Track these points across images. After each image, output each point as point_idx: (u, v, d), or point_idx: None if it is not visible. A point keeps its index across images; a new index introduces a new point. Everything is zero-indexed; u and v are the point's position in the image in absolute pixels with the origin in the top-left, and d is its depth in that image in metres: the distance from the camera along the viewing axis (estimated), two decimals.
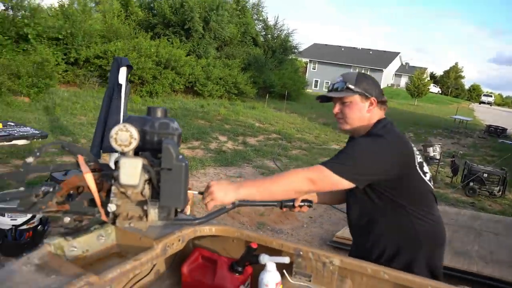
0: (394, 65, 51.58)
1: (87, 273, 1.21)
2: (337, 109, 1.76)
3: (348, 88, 1.67)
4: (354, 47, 52.56)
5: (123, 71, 4.49)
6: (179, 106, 13.02)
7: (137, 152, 1.39)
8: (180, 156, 1.27)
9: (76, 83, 13.25)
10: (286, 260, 1.41)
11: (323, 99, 1.83)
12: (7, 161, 5.57)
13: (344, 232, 4.26)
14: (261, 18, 24.32)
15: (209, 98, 15.92)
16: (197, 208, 4.65)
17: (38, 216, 3.32)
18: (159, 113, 1.48)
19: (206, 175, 6.32)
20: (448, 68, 63.46)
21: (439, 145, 7.83)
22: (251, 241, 1.63)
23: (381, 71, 47.15)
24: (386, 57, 49.75)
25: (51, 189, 1.48)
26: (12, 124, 4.14)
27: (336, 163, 1.57)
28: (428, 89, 35.89)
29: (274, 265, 1.30)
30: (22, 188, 1.53)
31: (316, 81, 48.04)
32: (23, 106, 9.24)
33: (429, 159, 7.51)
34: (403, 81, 50.67)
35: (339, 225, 4.77)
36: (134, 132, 1.21)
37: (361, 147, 1.59)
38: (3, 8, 12.34)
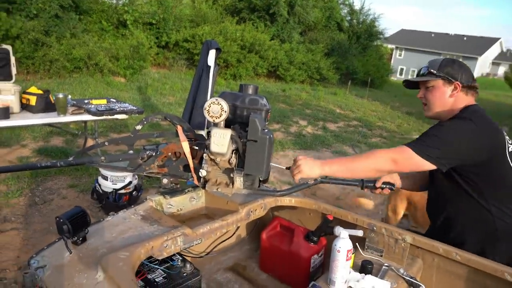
0: (493, 52, 47.10)
1: (183, 225, 1.41)
2: (420, 93, 1.77)
3: (430, 72, 1.67)
4: (446, 33, 48.90)
5: (212, 54, 4.74)
6: (261, 89, 13.26)
7: (228, 125, 1.55)
8: (266, 130, 1.40)
9: (166, 65, 14.09)
10: (359, 233, 1.49)
11: (409, 84, 1.84)
12: (107, 134, 6.20)
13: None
14: (346, 2, 23.65)
15: (291, 83, 16.00)
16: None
17: (134, 183, 3.71)
18: (250, 90, 1.63)
19: (285, 157, 6.47)
20: None
21: None
22: (328, 213, 1.73)
23: (475, 59, 43.36)
24: (482, 44, 45.53)
25: (153, 154, 1.70)
26: (114, 100, 4.60)
27: (420, 144, 1.58)
28: None
29: (347, 234, 1.39)
30: (131, 151, 1.77)
31: (402, 69, 45.66)
32: (120, 86, 10.08)
33: None
34: (502, 70, 46.30)
35: None
36: (225, 105, 1.37)
37: (447, 129, 1.57)
38: None
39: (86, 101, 4.35)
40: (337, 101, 13.29)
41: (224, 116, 1.37)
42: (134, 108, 4.32)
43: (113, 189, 3.53)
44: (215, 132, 1.40)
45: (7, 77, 3.83)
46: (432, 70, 1.67)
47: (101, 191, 3.62)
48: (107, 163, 1.73)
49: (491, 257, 1.44)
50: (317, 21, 20.21)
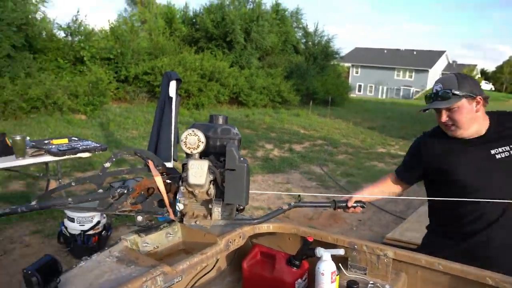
0: (441, 64, 49.74)
1: (161, 264, 1.35)
2: (444, 117, 1.71)
3: (454, 94, 1.66)
4: (397, 49, 51.26)
5: (173, 85, 4.73)
6: None
7: (201, 157, 1.53)
8: (242, 158, 1.39)
9: (126, 99, 13.92)
10: (341, 252, 1.48)
11: (425, 109, 1.79)
12: (71, 174, 5.98)
13: (395, 234, 4.21)
14: (300, 25, 24.37)
15: (253, 108, 16.15)
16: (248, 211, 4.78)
17: (102, 222, 3.57)
18: (220, 120, 1.62)
19: (254, 182, 6.45)
20: (501, 63, 60.40)
21: None
22: (307, 236, 1.71)
23: (427, 71, 45.61)
24: (431, 57, 48.09)
25: (125, 191, 1.64)
26: (76, 139, 4.47)
27: None
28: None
29: (330, 255, 1.38)
30: (100, 190, 1.71)
31: (360, 85, 47.31)
32: (81, 123, 9.84)
33: None
34: None
35: (389, 228, 4.72)
36: (201, 136, 1.35)
37: None
38: (64, 35, 13.30)
39: (46, 142, 4.19)
40: (301, 122, 13.51)
41: (202, 147, 1.36)
42: (97, 145, 4.21)
43: (81, 230, 3.39)
44: (192, 163, 1.37)
45: None
46: (455, 92, 1.65)
47: (68, 234, 3.46)
48: (75, 205, 1.66)
49: None
50: (274, 45, 20.67)
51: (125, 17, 20.21)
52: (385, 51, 50.70)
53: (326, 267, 1.32)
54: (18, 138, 3.64)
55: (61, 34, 13.31)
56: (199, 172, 1.35)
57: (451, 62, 53.92)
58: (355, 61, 48.34)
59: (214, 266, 1.80)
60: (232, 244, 1.65)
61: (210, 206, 1.47)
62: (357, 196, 1.92)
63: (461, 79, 1.69)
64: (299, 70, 20.46)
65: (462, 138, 1.73)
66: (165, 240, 1.67)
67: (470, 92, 1.66)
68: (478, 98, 1.68)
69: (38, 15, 12.77)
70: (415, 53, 49.29)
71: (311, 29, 24.36)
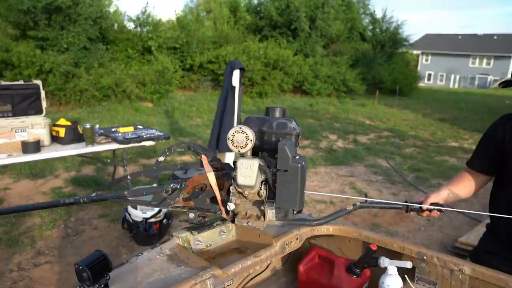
0: None
1: (212, 266, 1.29)
2: None
3: None
4: (473, 34, 47.58)
5: (236, 74, 4.69)
6: (288, 105, 13.20)
7: (256, 152, 1.44)
8: (297, 157, 1.28)
9: (191, 87, 14.26)
10: (408, 264, 1.33)
11: (507, 83, 1.59)
12: (136, 160, 6.22)
13: (469, 238, 3.89)
14: (368, 12, 23.46)
15: (317, 97, 15.85)
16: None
17: (164, 211, 3.64)
18: (277, 113, 1.51)
19: (317, 174, 6.29)
20: None
21: None
22: (370, 242, 1.57)
23: (509, 58, 41.82)
24: None
25: (178, 186, 1.60)
26: (141, 127, 4.60)
27: None
28: None
29: (395, 269, 1.23)
30: (154, 184, 1.68)
31: (430, 74, 44.64)
32: (148, 111, 10.22)
33: None
34: None
35: (461, 230, 4.37)
36: (250, 133, 1.25)
37: None
38: (133, 26, 13.89)
39: (113, 130, 4.36)
40: (366, 113, 13.02)
41: (250, 145, 1.26)
42: (161, 134, 4.29)
43: (143, 218, 3.48)
44: (241, 162, 1.28)
45: (38, 111, 3.92)
46: None
47: (131, 221, 3.57)
48: (130, 198, 1.65)
49: None
50: (339, 33, 20.09)
51: (191, 7, 20.62)
52: (460, 37, 47.28)
53: (392, 283, 1.18)
54: (88, 126, 3.80)
55: (131, 26, 13.92)
56: (248, 172, 1.26)
57: None
58: (425, 48, 45.66)
59: (267, 266, 1.72)
60: (289, 246, 1.55)
61: (263, 207, 1.38)
62: (434, 196, 1.70)
63: None
64: (366, 58, 19.73)
65: None
66: (219, 238, 1.62)
67: None
68: None
69: (111, 8, 13.43)
70: (495, 37, 45.37)
71: (379, 15, 23.38)
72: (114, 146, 3.95)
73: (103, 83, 10.18)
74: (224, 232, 1.64)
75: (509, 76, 1.57)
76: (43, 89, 3.94)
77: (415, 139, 9.58)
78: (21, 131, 3.61)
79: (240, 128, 1.26)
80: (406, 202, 1.66)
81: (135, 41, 13.24)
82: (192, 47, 14.15)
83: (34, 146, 3.52)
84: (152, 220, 3.51)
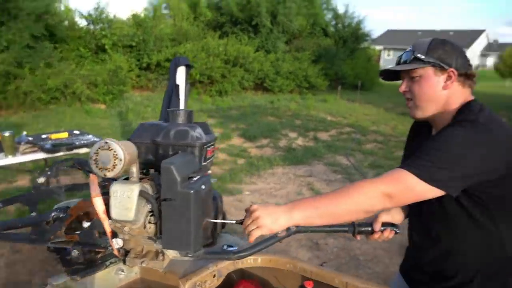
0: (479, 44, 47.12)
1: None
2: (403, 86, 1.32)
3: (416, 58, 1.25)
4: (432, 30, 49.01)
5: (181, 71, 4.34)
6: (248, 103, 12.88)
7: (148, 172, 1.10)
8: (194, 179, 0.95)
9: (149, 87, 13.70)
10: None
11: (388, 75, 1.40)
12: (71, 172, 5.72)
13: None
14: (330, 7, 23.42)
15: (279, 94, 15.61)
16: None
17: None
18: (180, 118, 1.18)
19: (274, 175, 6.01)
20: None
21: None
22: (306, 276, 1.27)
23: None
24: (469, 37, 45.66)
25: (61, 215, 1.24)
26: (77, 132, 4.16)
27: (424, 166, 1.13)
28: None
29: None
30: (34, 213, 1.31)
31: None
32: (100, 113, 9.65)
33: None
34: (490, 61, 46.29)
35: None
36: (119, 150, 0.90)
37: (459, 142, 1.14)
38: (86, 23, 13.16)
39: (44, 137, 3.91)
40: (328, 108, 12.89)
41: (120, 166, 0.91)
42: (97, 139, 3.88)
43: None
44: (115, 189, 0.95)
45: None
46: (418, 55, 1.25)
47: None
48: (1, 233, 1.28)
49: None
50: (301, 28, 19.92)
51: (154, 3, 19.78)
52: (419, 33, 48.49)
53: None
54: (7, 134, 3.36)
55: (83, 23, 13.18)
56: (125, 203, 0.92)
57: (491, 41, 51.14)
58: (387, 43, 46.61)
59: None
60: (203, 286, 1.22)
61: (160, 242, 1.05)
62: (385, 215, 1.39)
63: (434, 43, 1.26)
64: (328, 53, 19.65)
65: (417, 120, 1.40)
66: (115, 279, 1.27)
67: (440, 60, 1.22)
68: (451, 71, 1.23)
69: (61, 4, 12.66)
70: (451, 33, 46.85)
71: (341, 10, 23.39)
72: (40, 155, 3.51)
73: (50, 85, 9.51)
74: (122, 271, 1.29)
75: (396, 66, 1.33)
76: None
77: (376, 134, 9.48)
78: None
79: (106, 143, 0.91)
80: (353, 224, 1.35)
81: (87, 39, 12.54)
82: (149, 45, 13.57)
83: None
84: None
